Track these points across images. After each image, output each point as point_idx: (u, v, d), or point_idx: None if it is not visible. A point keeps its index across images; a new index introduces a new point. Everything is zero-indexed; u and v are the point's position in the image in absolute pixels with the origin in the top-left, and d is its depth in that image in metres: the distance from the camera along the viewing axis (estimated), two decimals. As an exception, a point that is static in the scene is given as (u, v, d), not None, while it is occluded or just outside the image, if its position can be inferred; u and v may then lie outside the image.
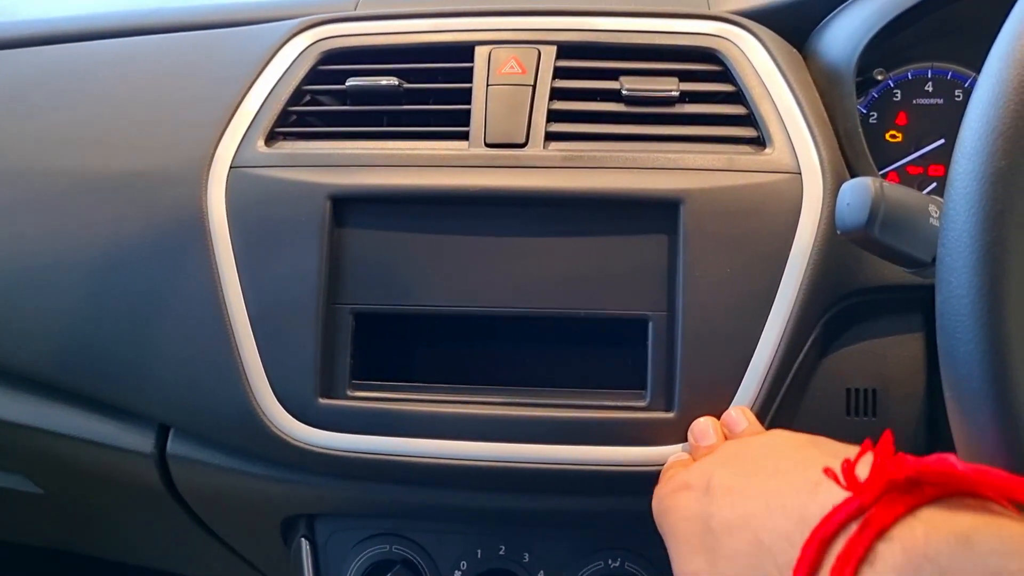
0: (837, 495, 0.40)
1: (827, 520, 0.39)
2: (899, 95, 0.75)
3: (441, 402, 0.65)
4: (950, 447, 0.66)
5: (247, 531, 0.79)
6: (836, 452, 0.46)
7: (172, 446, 0.72)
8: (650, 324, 0.64)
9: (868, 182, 0.51)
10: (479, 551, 0.70)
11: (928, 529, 0.36)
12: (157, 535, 0.90)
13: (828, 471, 0.41)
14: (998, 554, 0.33)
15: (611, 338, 0.66)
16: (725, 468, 0.51)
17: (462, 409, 0.64)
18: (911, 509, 0.37)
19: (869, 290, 0.66)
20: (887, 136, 0.75)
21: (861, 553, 0.37)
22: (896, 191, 0.51)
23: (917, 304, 0.68)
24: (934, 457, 0.37)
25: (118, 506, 0.86)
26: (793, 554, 0.40)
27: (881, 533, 0.37)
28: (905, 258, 0.52)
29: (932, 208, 0.52)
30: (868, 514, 0.38)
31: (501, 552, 0.70)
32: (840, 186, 0.63)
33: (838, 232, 0.53)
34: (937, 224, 0.52)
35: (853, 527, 0.38)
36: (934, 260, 0.52)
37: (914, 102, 0.75)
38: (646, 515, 0.66)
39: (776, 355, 0.62)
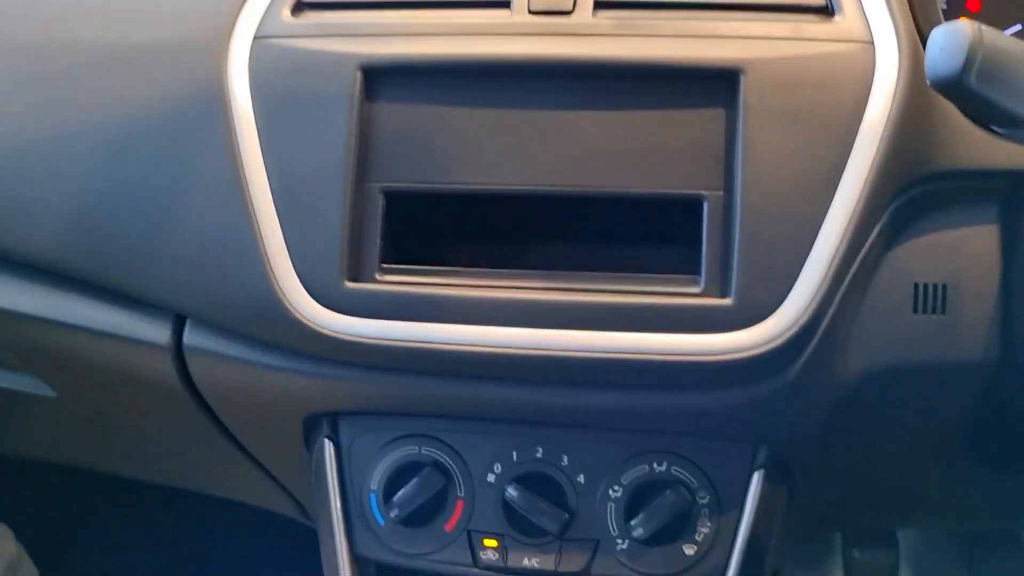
0: None
1: None
2: None
3: (478, 286, 0.60)
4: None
5: (268, 434, 0.75)
6: None
7: (189, 337, 0.68)
8: (705, 204, 0.59)
9: (965, 24, 0.46)
10: (514, 453, 0.66)
11: None
12: (177, 446, 0.87)
13: None
14: None
15: (662, 220, 0.61)
16: None
17: (501, 293, 0.60)
18: None
19: (943, 175, 0.61)
20: None
21: None
22: (996, 36, 0.46)
23: (993, 193, 0.62)
24: None
25: (136, 412, 0.82)
26: None
27: None
28: (1002, 113, 0.47)
29: (1035, 57, 0.47)
30: None
31: (538, 455, 0.66)
32: (917, 58, 0.59)
33: (928, 82, 0.48)
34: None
35: None
36: (1034, 117, 0.47)
37: None
38: (696, 414, 0.63)
39: (842, 240, 0.58)
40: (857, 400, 0.63)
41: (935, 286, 0.62)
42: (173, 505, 1.26)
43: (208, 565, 1.27)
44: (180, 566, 1.27)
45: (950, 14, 0.69)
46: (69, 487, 1.28)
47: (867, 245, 0.59)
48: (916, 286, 0.62)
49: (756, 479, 0.65)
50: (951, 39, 0.46)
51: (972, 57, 0.45)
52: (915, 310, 0.62)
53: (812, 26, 0.60)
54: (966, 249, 0.62)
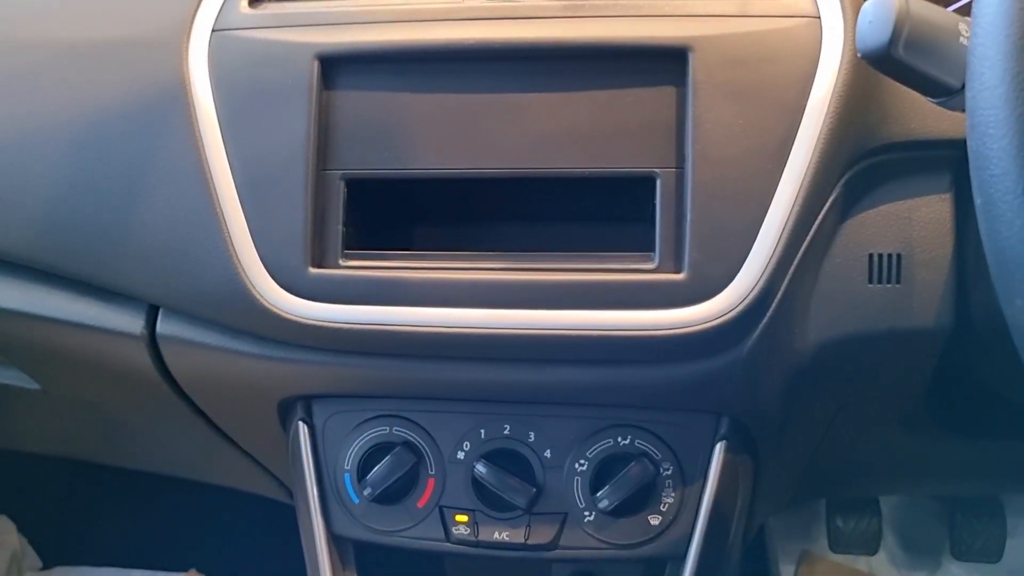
0: None
1: None
2: None
3: (440, 269, 0.62)
4: (978, 316, 0.63)
5: (246, 419, 0.77)
6: None
7: (162, 326, 0.69)
8: (658, 181, 0.60)
9: None
10: (482, 431, 0.68)
11: None
12: (160, 434, 0.89)
13: None
14: None
15: (618, 198, 0.63)
16: None
17: (462, 275, 0.61)
18: None
19: (894, 146, 0.62)
20: None
21: None
22: (923, 8, 0.47)
23: (945, 162, 0.63)
24: None
25: (117, 401, 0.84)
26: None
27: None
28: (932, 84, 0.48)
29: (962, 27, 0.47)
30: None
31: (506, 432, 0.67)
32: None
33: (859, 55, 0.49)
34: (968, 44, 0.47)
35: None
36: (964, 87, 0.48)
37: None
38: (655, 387, 0.64)
39: (792, 213, 0.58)
40: (815, 370, 0.64)
41: (889, 256, 0.62)
42: (173, 492, 1.28)
43: (205, 550, 1.29)
44: (180, 550, 1.29)
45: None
46: (70, 478, 1.30)
47: (820, 217, 0.60)
48: (871, 256, 0.63)
49: (719, 449, 0.66)
50: (879, 11, 0.47)
51: (899, 29, 0.46)
52: (870, 280, 0.63)
53: (759, 2, 0.61)
54: (919, 218, 0.63)
